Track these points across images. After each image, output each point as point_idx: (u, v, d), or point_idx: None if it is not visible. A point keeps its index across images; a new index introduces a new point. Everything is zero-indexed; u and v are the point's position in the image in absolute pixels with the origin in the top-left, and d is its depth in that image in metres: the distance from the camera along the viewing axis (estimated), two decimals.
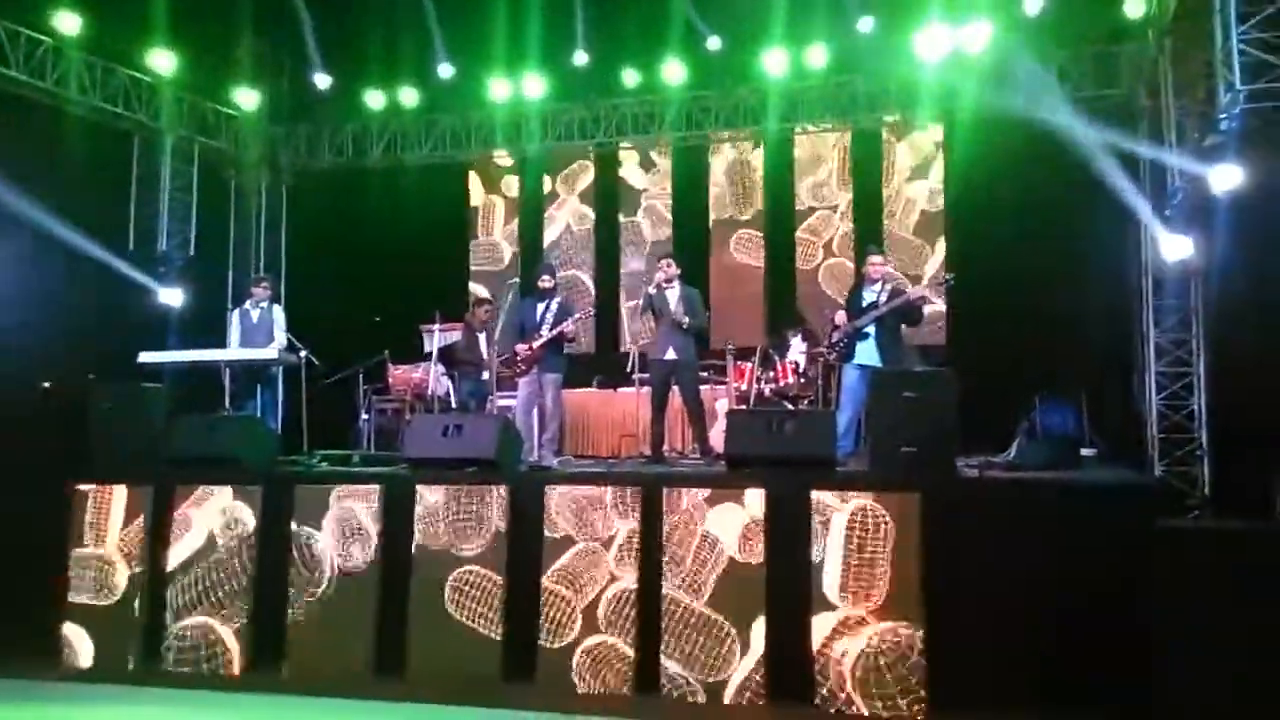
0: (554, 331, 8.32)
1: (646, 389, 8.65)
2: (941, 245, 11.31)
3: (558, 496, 6.43)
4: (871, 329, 7.90)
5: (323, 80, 11.38)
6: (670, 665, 6.00)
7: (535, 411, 8.57)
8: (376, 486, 6.80)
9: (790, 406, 9.35)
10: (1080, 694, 5.43)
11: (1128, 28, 9.70)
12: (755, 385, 9.50)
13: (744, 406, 9.20)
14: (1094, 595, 5.51)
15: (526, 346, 8.34)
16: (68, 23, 9.69)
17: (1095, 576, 5.52)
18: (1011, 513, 5.83)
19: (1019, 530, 5.72)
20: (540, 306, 8.46)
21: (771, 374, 9.61)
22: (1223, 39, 6.33)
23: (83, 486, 7.20)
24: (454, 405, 9.81)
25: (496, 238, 12.98)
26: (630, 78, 11.56)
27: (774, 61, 10.94)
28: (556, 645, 6.22)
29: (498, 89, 11.66)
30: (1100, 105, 10.14)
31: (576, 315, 8.66)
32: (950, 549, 5.71)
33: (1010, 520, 5.77)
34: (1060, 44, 10.39)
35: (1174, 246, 8.37)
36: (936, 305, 10.38)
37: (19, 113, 9.53)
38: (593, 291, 12.44)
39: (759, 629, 5.89)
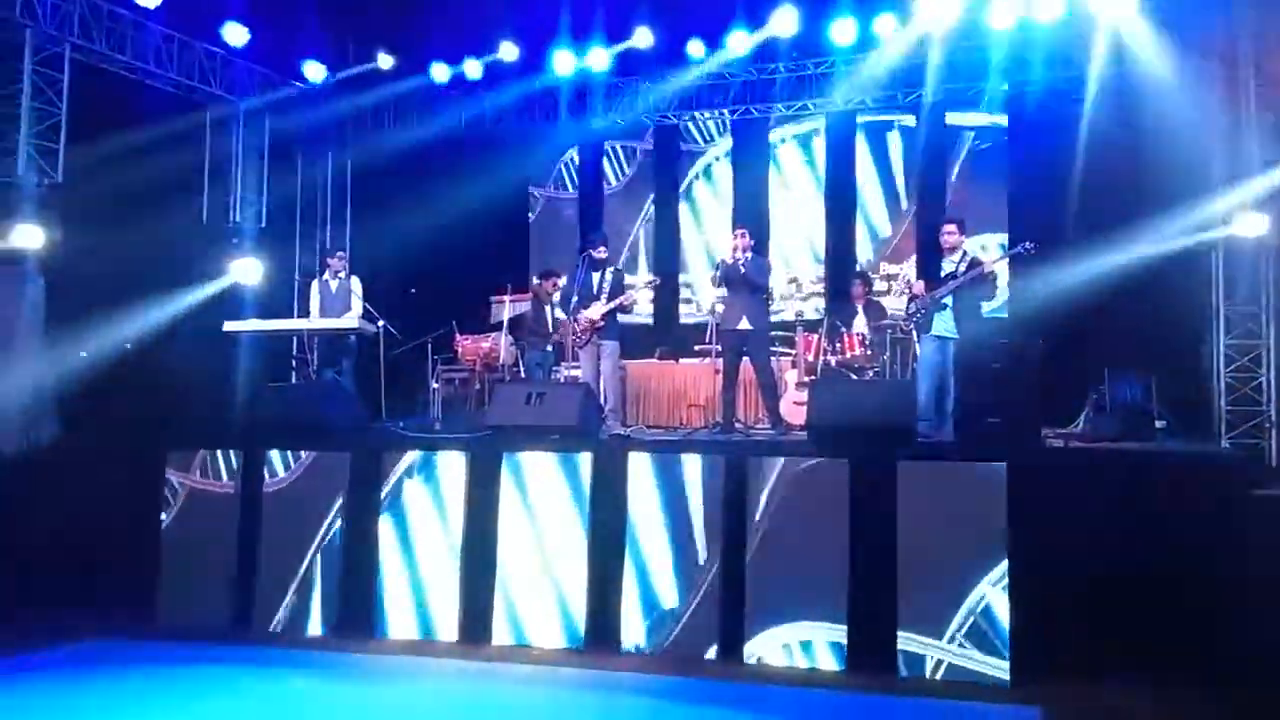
0: (614, 302, 8.39)
1: (717, 359, 8.70)
2: (1004, 220, 11.26)
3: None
4: (949, 299, 7.71)
5: (386, 60, 11.53)
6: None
7: (599, 381, 8.67)
8: (464, 452, 6.96)
9: (855, 378, 9.40)
10: (1164, 659, 5.51)
11: None
12: (822, 357, 9.56)
13: (811, 377, 9.26)
14: (1180, 563, 5.57)
15: (587, 319, 8.42)
16: None
17: (1181, 545, 5.59)
18: (1098, 482, 5.89)
19: (1105, 499, 5.78)
20: (596, 276, 8.52)
21: (838, 345, 9.66)
22: None
23: (174, 452, 7.40)
24: (522, 374, 9.95)
25: (559, 210, 13.11)
26: (694, 50, 11.52)
27: (840, 32, 10.89)
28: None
29: (561, 62, 11.70)
30: None
31: (645, 284, 8.62)
32: (1036, 518, 5.79)
33: (1097, 490, 5.84)
34: None
35: (1250, 223, 8.33)
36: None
37: (100, 86, 9.68)
38: (653, 263, 12.52)
39: (842, 597, 5.99)
